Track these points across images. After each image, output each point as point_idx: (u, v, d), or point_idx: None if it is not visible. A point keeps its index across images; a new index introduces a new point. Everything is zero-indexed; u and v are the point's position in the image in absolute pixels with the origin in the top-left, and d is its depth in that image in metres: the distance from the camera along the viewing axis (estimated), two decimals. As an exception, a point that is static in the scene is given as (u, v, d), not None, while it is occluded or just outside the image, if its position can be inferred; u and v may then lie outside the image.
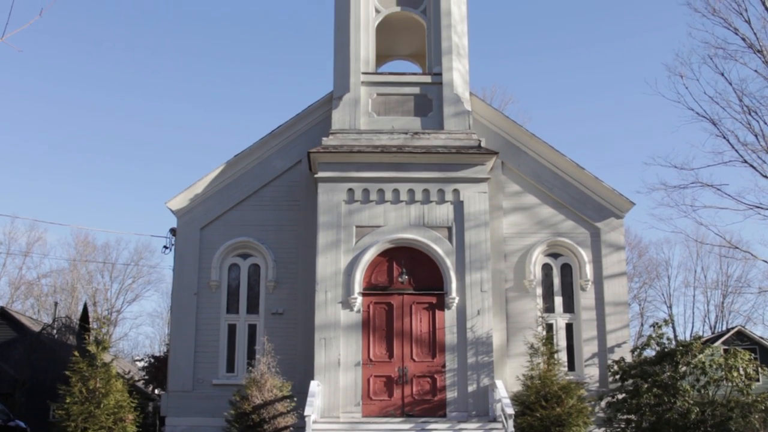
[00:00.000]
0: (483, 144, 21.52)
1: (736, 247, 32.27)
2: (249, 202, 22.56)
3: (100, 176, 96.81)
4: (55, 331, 39.52)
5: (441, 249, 20.63)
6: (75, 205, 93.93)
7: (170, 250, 23.37)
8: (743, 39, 26.03)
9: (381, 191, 20.97)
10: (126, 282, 68.82)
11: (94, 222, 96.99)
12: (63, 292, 64.46)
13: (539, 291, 22.13)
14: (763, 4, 26.05)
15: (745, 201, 26.34)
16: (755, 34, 25.88)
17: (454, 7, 22.64)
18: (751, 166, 25.87)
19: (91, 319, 36.89)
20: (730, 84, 26.13)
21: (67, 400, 18.49)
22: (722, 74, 26.38)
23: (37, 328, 39.06)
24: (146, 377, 36.18)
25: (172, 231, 22.80)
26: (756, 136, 25.76)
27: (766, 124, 25.72)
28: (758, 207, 26.21)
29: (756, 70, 25.98)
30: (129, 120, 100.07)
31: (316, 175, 21.09)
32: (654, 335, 21.09)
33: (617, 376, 20.66)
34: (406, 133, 21.58)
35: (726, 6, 26.35)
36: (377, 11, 22.74)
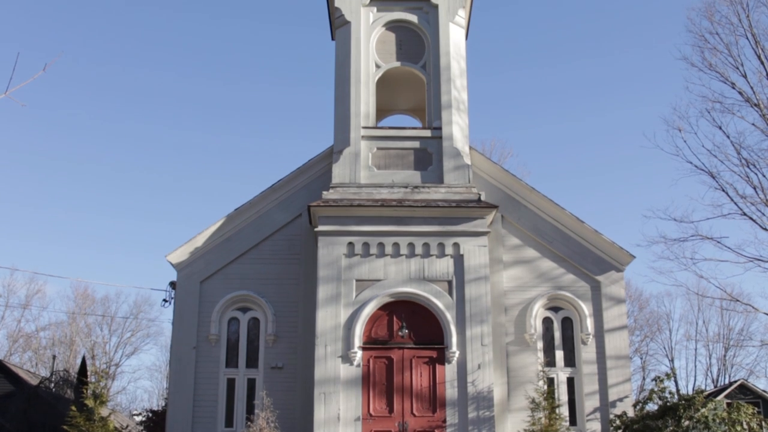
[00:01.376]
0: (483, 198, 21.58)
1: (738, 300, 32.21)
2: (249, 255, 22.58)
3: (100, 229, 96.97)
4: (53, 384, 39.15)
5: (441, 303, 20.58)
6: (75, 258, 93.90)
7: (170, 303, 23.36)
8: (740, 93, 26.29)
9: (381, 245, 20.97)
10: (125, 335, 68.66)
11: (94, 275, 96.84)
12: (61, 345, 64.20)
13: (540, 345, 22.03)
14: (759, 58, 26.38)
15: (745, 254, 26.36)
16: (752, 87, 26.15)
17: (453, 63, 22.87)
18: (751, 218, 25.94)
19: (89, 373, 36.59)
20: (728, 137, 26.32)
21: (64, 456, 18.31)
22: (720, 128, 26.57)
23: (34, 382, 38.71)
24: (144, 432, 35.80)
25: (172, 284, 22.78)
26: (755, 188, 25.86)
27: (764, 176, 25.83)
28: (758, 259, 26.22)
29: (753, 124, 26.19)
30: (129, 173, 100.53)
31: (316, 229, 21.12)
32: (656, 389, 20.93)
33: (619, 431, 20.48)
34: (406, 187, 21.66)
35: (722, 61, 26.69)
36: (377, 66, 22.97)
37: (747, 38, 26.63)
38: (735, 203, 26.03)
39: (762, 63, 26.28)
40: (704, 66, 26.72)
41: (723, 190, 26.19)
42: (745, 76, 26.34)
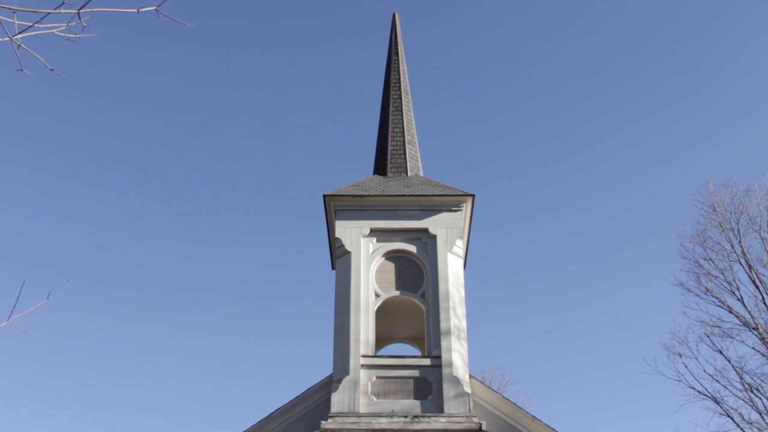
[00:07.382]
0: (484, 427, 21.24)
1: None
2: (245, 487, 22.02)
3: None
4: None
5: None
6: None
7: None
8: (737, 317, 26.58)
9: (380, 477, 20.52)
10: None
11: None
12: None
13: None
14: (754, 283, 26.84)
15: (757, 480, 25.73)
16: (749, 312, 26.47)
17: (453, 291, 23.17)
18: (758, 444, 25.50)
19: None
20: (729, 361, 26.38)
21: None
22: (720, 352, 26.68)
23: None
24: None
25: None
26: (760, 413, 25.63)
27: (768, 400, 25.63)
28: (770, 486, 25.55)
29: (753, 347, 26.28)
30: (123, 385, 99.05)
31: (314, 460, 20.75)
32: None
33: None
34: (406, 417, 21.41)
35: (718, 285, 27.17)
36: (377, 295, 23.28)
37: (740, 263, 27.23)
38: (741, 429, 25.74)
39: (757, 287, 26.73)
40: (700, 291, 27.22)
41: (728, 416, 25.98)
42: (741, 301, 26.75)
